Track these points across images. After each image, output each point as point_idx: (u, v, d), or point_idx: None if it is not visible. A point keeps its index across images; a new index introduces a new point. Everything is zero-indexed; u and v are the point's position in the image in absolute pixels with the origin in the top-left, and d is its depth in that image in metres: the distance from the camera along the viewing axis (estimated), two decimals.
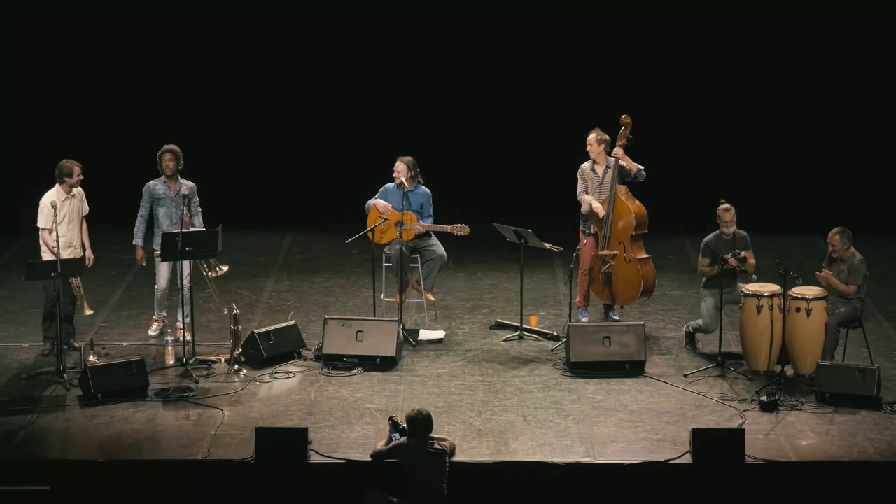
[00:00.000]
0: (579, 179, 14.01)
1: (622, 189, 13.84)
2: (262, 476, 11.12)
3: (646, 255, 13.89)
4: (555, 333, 13.89)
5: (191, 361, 13.01)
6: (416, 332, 13.93)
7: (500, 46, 18.55)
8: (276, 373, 13.05)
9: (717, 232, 13.32)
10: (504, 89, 18.63)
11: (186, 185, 13.68)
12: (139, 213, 13.69)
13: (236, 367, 13.05)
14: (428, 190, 14.01)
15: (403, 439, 10.97)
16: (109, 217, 14.85)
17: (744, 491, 11.12)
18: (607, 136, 13.91)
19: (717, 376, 12.88)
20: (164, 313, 13.96)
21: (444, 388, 12.71)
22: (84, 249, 13.46)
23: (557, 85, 18.53)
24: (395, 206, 13.87)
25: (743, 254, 13.13)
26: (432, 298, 14.15)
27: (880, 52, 18.32)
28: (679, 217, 16.77)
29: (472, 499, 11.10)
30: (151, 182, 13.69)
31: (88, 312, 13.51)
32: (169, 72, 18.66)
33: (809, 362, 12.73)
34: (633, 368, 13.00)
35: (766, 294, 12.87)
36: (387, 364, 13.15)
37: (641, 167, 13.82)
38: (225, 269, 13.65)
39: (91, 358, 12.85)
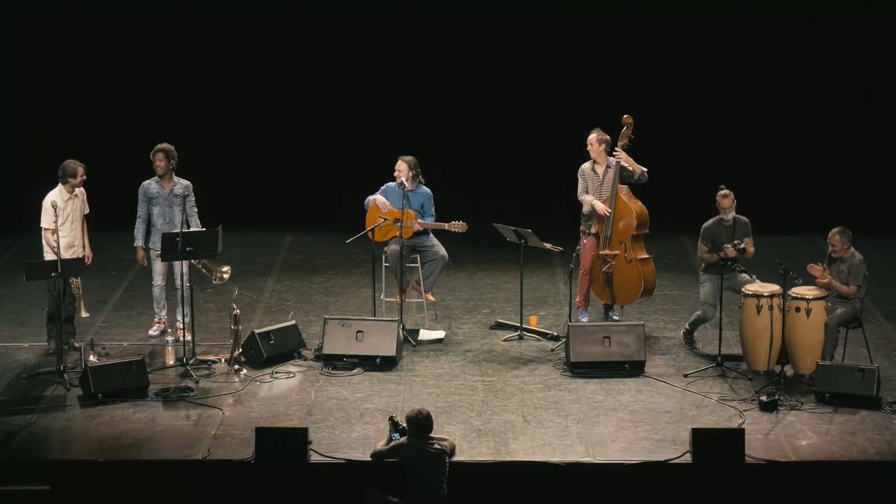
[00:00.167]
0: (579, 179, 14.01)
1: (623, 189, 13.84)
2: (262, 476, 11.13)
3: (646, 256, 13.89)
4: (555, 333, 13.89)
5: (191, 361, 13.01)
6: (416, 332, 13.94)
7: (500, 46, 18.55)
8: (276, 373, 13.05)
9: (717, 218, 13.33)
10: (504, 89, 18.62)
11: (181, 185, 13.68)
12: (138, 214, 13.70)
13: (236, 367, 13.06)
14: (429, 190, 14.01)
15: (403, 439, 10.98)
16: (109, 217, 14.85)
17: (744, 491, 11.12)
18: (608, 136, 13.91)
19: (716, 376, 12.88)
20: (163, 313, 13.97)
21: (444, 388, 12.71)
22: (83, 249, 13.47)
23: (557, 85, 18.52)
24: (395, 205, 13.87)
25: (742, 244, 13.14)
26: (432, 299, 14.15)
27: (880, 52, 18.32)
28: (679, 217, 16.78)
29: (472, 499, 11.11)
30: (146, 182, 13.70)
31: (85, 314, 13.51)
32: (169, 72, 18.66)
33: (809, 362, 12.73)
34: (633, 368, 13.00)
35: (765, 294, 12.87)
36: (387, 364, 13.15)
37: (644, 169, 13.82)
38: (226, 272, 13.58)
39: (91, 358, 12.86)
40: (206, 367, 13.08)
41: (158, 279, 13.78)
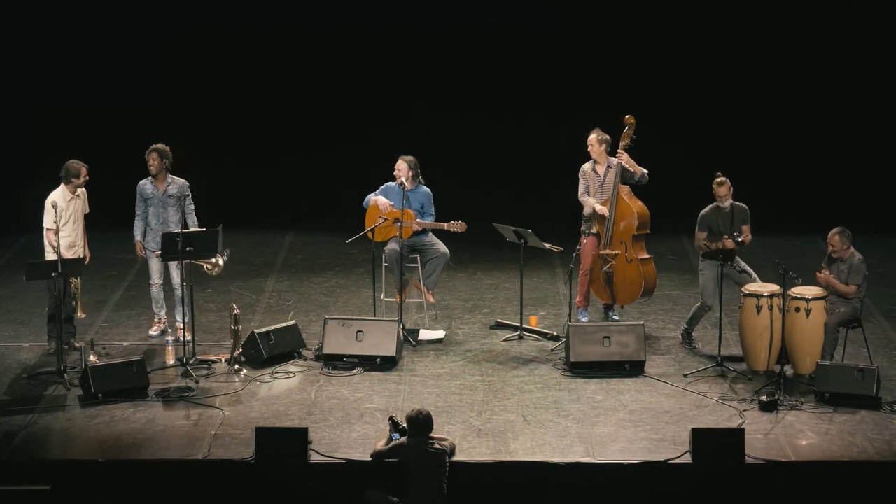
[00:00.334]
0: (580, 180, 14.01)
1: (624, 189, 13.85)
2: (262, 476, 11.13)
3: (647, 256, 13.89)
4: (555, 333, 13.89)
5: (191, 361, 13.01)
6: (416, 332, 13.94)
7: (500, 46, 18.55)
8: (276, 373, 13.06)
9: (713, 205, 13.33)
10: (504, 89, 18.62)
11: (176, 184, 13.67)
12: (136, 213, 13.72)
13: (236, 366, 13.06)
14: (428, 189, 14.02)
15: (403, 439, 10.98)
16: (109, 217, 14.86)
17: (743, 490, 11.13)
18: (608, 136, 13.91)
19: (716, 376, 12.89)
20: (162, 313, 13.98)
21: (444, 388, 12.71)
22: (84, 249, 13.49)
23: (557, 85, 18.52)
24: (395, 204, 13.88)
25: (741, 237, 13.14)
26: (432, 300, 14.14)
27: (880, 52, 18.32)
28: (679, 217, 16.78)
29: (472, 499, 11.11)
30: (142, 181, 13.71)
31: (81, 315, 13.53)
32: (169, 72, 18.66)
33: (809, 362, 12.74)
34: (632, 368, 13.01)
35: (765, 294, 12.87)
36: (387, 364, 13.15)
37: (645, 171, 13.82)
38: (220, 262, 13.50)
39: (91, 358, 12.86)
40: (206, 367, 13.09)
41: (155, 277, 13.80)
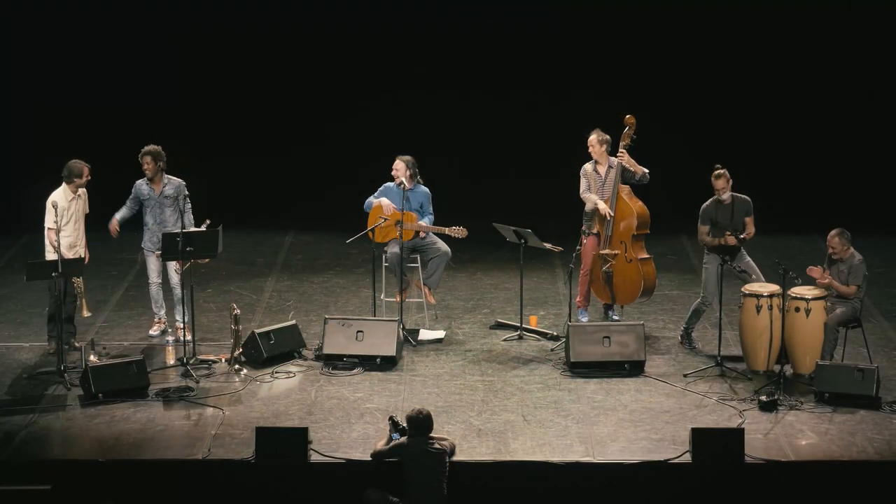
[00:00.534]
0: (581, 178, 14.01)
1: (625, 189, 13.85)
2: (262, 476, 11.14)
3: (647, 256, 13.89)
4: (554, 333, 13.90)
5: (191, 361, 13.02)
6: (416, 331, 13.95)
7: (500, 46, 18.55)
8: (276, 372, 13.06)
9: (714, 198, 13.34)
10: (504, 89, 18.62)
11: (172, 185, 13.66)
12: (126, 204, 13.68)
13: (237, 366, 13.07)
14: (427, 189, 14.02)
15: (403, 439, 10.98)
16: (109, 217, 14.84)
17: (743, 490, 11.13)
18: (608, 137, 13.91)
19: (716, 376, 12.89)
20: (162, 313, 13.98)
21: (444, 388, 12.72)
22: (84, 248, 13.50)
23: (557, 85, 18.53)
24: (395, 205, 13.88)
25: (743, 234, 13.16)
26: (433, 301, 14.15)
27: (881, 52, 18.32)
28: (679, 217, 16.79)
29: (472, 499, 11.11)
30: (139, 181, 13.70)
31: (87, 314, 13.54)
32: (169, 72, 18.67)
33: (809, 362, 12.74)
34: (632, 368, 13.01)
35: (765, 294, 12.88)
36: (387, 364, 13.16)
37: (646, 170, 13.83)
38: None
39: (92, 357, 12.86)
40: (206, 367, 13.09)
41: (154, 276, 13.81)
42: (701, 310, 13.55)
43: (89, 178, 13.39)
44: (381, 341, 13.19)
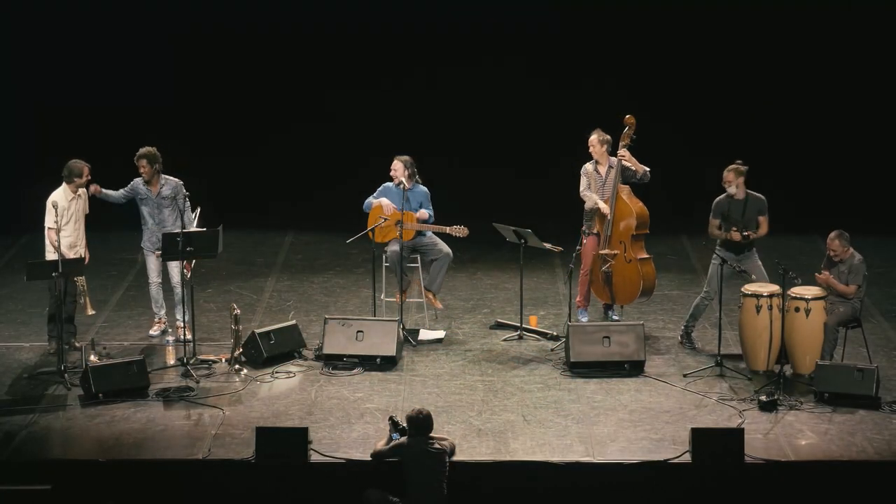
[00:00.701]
0: (582, 177, 14.01)
1: (624, 189, 13.85)
2: (262, 476, 11.14)
3: (646, 256, 13.90)
4: (554, 333, 13.90)
5: (191, 361, 13.02)
6: (416, 332, 13.95)
7: (500, 46, 18.55)
8: (276, 372, 13.07)
9: (726, 193, 13.38)
10: (504, 89, 18.62)
11: (169, 185, 13.65)
12: (122, 191, 13.67)
13: (237, 366, 13.07)
14: (425, 188, 14.02)
15: (403, 439, 10.99)
16: (109, 217, 14.83)
17: (743, 490, 11.14)
18: (608, 137, 13.91)
19: (716, 376, 12.90)
20: (162, 312, 13.98)
21: (444, 387, 12.72)
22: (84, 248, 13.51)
23: (557, 85, 18.52)
24: (395, 205, 13.88)
25: (748, 233, 13.16)
26: (440, 306, 14.14)
27: (881, 51, 18.32)
28: (679, 217, 16.80)
29: (472, 499, 11.12)
30: (137, 180, 13.68)
31: (91, 312, 13.56)
32: (169, 72, 18.67)
33: (808, 362, 12.75)
34: (632, 368, 13.01)
35: (765, 294, 12.88)
36: (387, 364, 13.16)
37: (647, 169, 13.83)
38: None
39: (92, 357, 12.87)
40: (206, 367, 13.10)
41: (154, 276, 13.81)
42: (702, 305, 13.54)
43: (90, 177, 13.39)
44: (381, 341, 13.19)
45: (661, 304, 14.86)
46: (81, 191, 13.41)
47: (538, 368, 13.19)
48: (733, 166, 13.39)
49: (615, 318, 14.13)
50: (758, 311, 12.85)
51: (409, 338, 13.72)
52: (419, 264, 14.12)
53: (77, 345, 13.40)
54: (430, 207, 13.98)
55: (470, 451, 11.36)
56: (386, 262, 14.02)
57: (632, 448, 11.44)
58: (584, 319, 14.10)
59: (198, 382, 12.74)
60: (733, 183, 13.33)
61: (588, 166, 14.00)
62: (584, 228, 14.03)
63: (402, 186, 13.80)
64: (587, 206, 13.96)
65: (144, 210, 13.69)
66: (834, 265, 12.89)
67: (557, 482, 11.16)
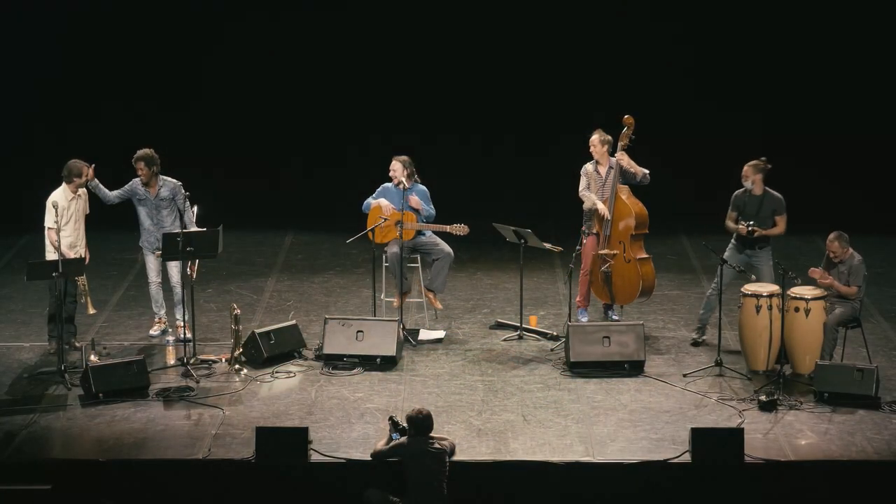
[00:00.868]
0: (582, 177, 14.01)
1: (624, 189, 13.85)
2: (262, 476, 11.15)
3: (646, 256, 13.90)
4: (554, 333, 13.91)
5: (191, 361, 13.03)
6: (416, 331, 13.96)
7: (500, 46, 18.55)
8: (276, 372, 13.07)
9: (744, 188, 13.41)
10: (503, 89, 18.62)
11: (168, 186, 13.64)
12: (121, 188, 13.67)
13: (237, 366, 13.07)
14: (424, 187, 14.02)
15: (404, 439, 10.99)
16: (109, 217, 14.84)
17: (743, 490, 11.14)
18: (609, 137, 13.91)
19: (716, 376, 12.90)
20: (162, 312, 13.99)
21: (444, 387, 12.73)
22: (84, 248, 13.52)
23: (557, 85, 18.52)
24: (395, 206, 13.88)
25: (753, 229, 13.18)
26: (440, 306, 14.15)
27: (881, 51, 18.32)
28: (679, 217, 16.80)
29: (472, 499, 11.12)
30: (136, 180, 13.68)
31: (92, 311, 13.57)
32: (169, 72, 18.67)
33: (808, 362, 12.75)
34: (632, 368, 13.02)
35: (764, 294, 12.89)
36: (387, 364, 13.17)
37: (646, 171, 13.83)
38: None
39: (92, 357, 12.87)
40: (206, 367, 13.10)
41: (153, 276, 13.82)
42: (713, 296, 13.52)
43: (89, 177, 13.39)
44: (381, 341, 13.20)
45: (660, 304, 14.87)
46: (81, 191, 13.41)
47: (538, 368, 13.19)
48: (753, 161, 13.46)
49: (615, 318, 14.13)
50: (757, 311, 12.86)
51: (409, 338, 13.72)
52: (419, 264, 14.11)
53: (77, 345, 13.40)
54: (431, 206, 13.97)
55: (470, 451, 11.36)
56: (386, 262, 14.02)
57: (632, 448, 11.44)
58: (584, 319, 14.10)
59: (198, 382, 12.75)
60: (750, 178, 13.38)
61: (588, 166, 14.00)
62: (583, 228, 14.04)
63: (401, 186, 13.80)
64: (586, 206, 13.97)
65: (142, 211, 13.68)
66: (833, 266, 12.89)
67: (557, 482, 11.16)
